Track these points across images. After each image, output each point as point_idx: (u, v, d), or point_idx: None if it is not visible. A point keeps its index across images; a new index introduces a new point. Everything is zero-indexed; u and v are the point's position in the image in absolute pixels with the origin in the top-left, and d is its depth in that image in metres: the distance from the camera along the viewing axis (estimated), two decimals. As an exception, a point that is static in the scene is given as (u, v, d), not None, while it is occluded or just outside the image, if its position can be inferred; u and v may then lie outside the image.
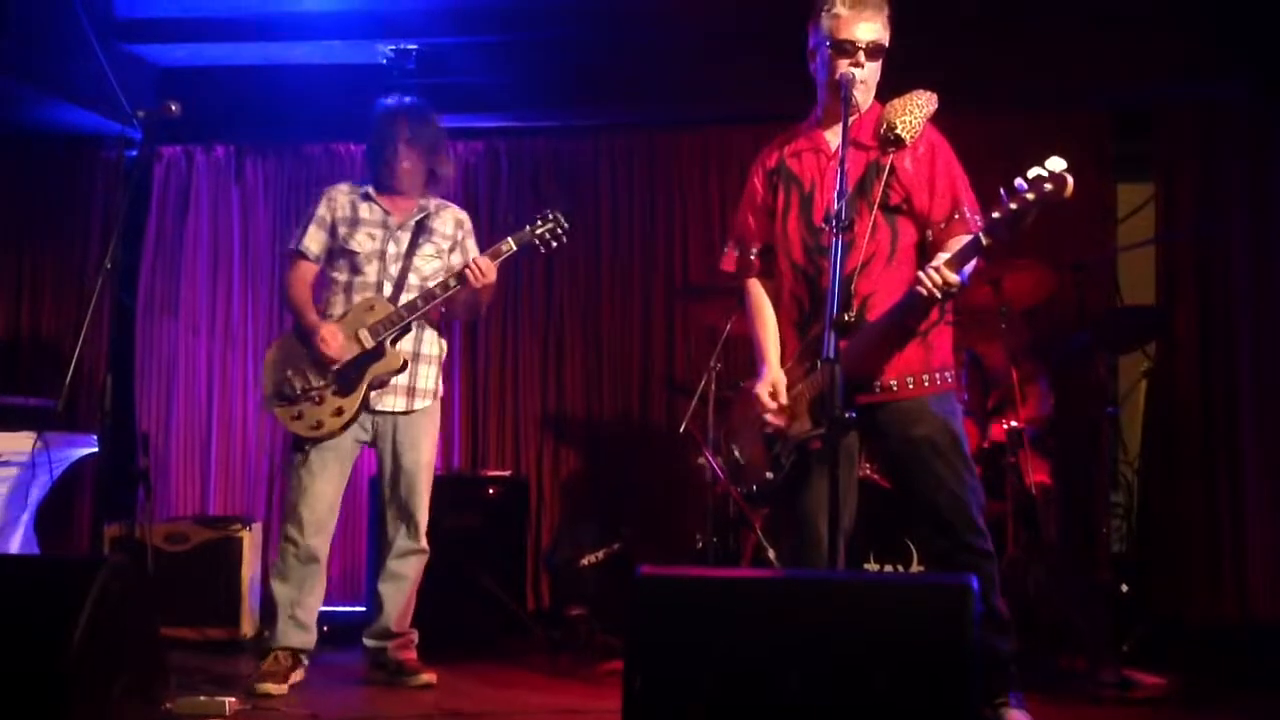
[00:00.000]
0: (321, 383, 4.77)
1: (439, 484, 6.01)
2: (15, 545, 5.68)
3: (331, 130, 6.76)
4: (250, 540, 5.94)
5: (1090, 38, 5.97)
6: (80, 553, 6.54)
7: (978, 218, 3.77)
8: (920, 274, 3.58)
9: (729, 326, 5.39)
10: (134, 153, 6.87)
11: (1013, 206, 3.46)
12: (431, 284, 4.85)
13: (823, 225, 3.70)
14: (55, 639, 3.09)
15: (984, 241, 3.52)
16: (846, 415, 3.46)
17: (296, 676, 4.77)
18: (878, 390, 3.82)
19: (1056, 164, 3.46)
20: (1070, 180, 3.46)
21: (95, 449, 6.01)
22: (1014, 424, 5.23)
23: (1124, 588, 5.17)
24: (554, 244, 4.88)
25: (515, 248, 4.82)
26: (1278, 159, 6.07)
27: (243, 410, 6.85)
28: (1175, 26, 5.91)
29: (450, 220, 5.03)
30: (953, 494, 3.80)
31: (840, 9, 3.75)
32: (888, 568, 5.05)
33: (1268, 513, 5.96)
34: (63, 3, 6.04)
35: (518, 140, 6.86)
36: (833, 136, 3.79)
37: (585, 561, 6.02)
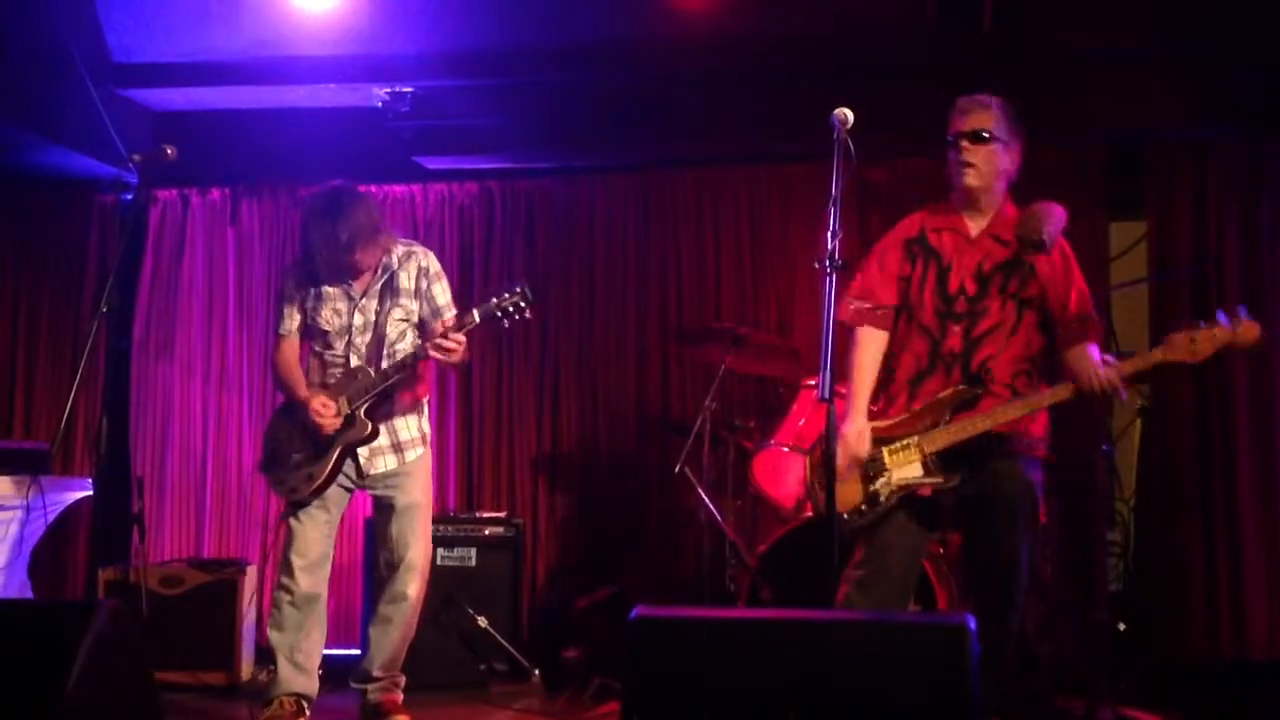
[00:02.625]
0: (299, 448, 4.83)
1: (435, 524, 6.01)
2: (9, 589, 5.66)
3: (327, 173, 6.65)
4: (245, 583, 5.92)
5: (1085, 77, 6.00)
6: (75, 597, 6.52)
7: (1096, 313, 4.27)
8: (1095, 370, 4.01)
9: (724, 366, 5.40)
10: (130, 196, 6.90)
11: (1196, 336, 3.98)
12: (400, 350, 4.85)
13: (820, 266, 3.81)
14: (50, 684, 3.08)
15: (1162, 359, 4.02)
16: (957, 480, 4.08)
17: None
18: (980, 443, 4.09)
19: (1244, 312, 3.98)
20: (1259, 330, 3.98)
21: (90, 492, 6.00)
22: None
23: (1121, 626, 5.16)
24: (516, 317, 4.69)
25: (478, 320, 4.68)
26: (1270, 197, 6.10)
27: (237, 453, 6.85)
28: (1169, 66, 5.94)
29: (414, 270, 4.92)
30: (1014, 559, 4.08)
31: (953, 113, 4.25)
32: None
33: (1264, 551, 5.95)
34: (59, 47, 6.07)
35: (512, 182, 6.88)
36: (972, 222, 4.25)
37: (581, 603, 6.00)
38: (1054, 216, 4.12)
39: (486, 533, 6.15)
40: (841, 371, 4.14)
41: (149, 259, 6.99)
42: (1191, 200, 6.19)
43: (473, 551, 6.06)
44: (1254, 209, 6.12)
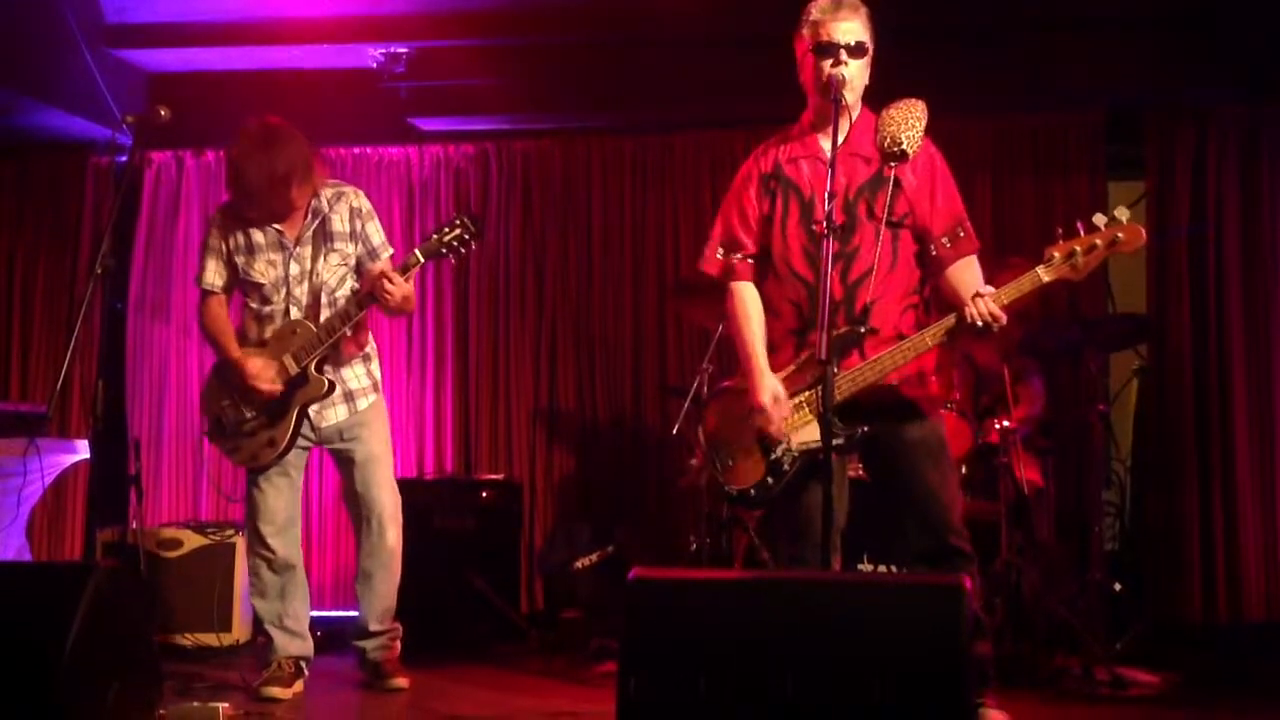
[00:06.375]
0: (252, 414, 4.73)
1: (432, 487, 6.05)
2: (7, 552, 5.67)
3: (321, 134, 6.70)
4: (243, 545, 5.91)
5: (1084, 40, 5.98)
6: (73, 559, 6.53)
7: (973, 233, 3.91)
8: (971, 303, 3.67)
9: (720, 328, 5.39)
10: (124, 158, 6.86)
11: (1076, 248, 3.60)
12: (341, 297, 4.75)
13: (819, 228, 3.71)
14: (48, 646, 3.09)
15: (1044, 278, 3.65)
16: (861, 430, 3.73)
17: (298, 686, 4.78)
18: (877, 397, 3.82)
19: (1124, 213, 3.58)
20: (1144, 233, 3.60)
21: (87, 454, 5.99)
22: (1006, 424, 5.23)
23: (1117, 587, 5.17)
24: (463, 250, 4.62)
25: (422, 259, 4.63)
26: (1269, 159, 6.08)
27: (235, 415, 6.84)
28: (1168, 29, 5.92)
29: (346, 211, 4.79)
30: (939, 496, 3.86)
31: (817, 14, 3.84)
32: (881, 568, 5.05)
33: (1260, 511, 5.97)
34: (52, 9, 6.03)
35: (508, 143, 6.84)
36: (827, 142, 3.82)
37: (579, 564, 6.02)
38: (914, 116, 3.79)
39: (484, 495, 6.17)
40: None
41: (144, 221, 6.97)
42: (1191, 163, 6.17)
43: (471, 513, 6.07)
44: (1253, 171, 6.11)
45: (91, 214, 6.95)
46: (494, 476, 6.47)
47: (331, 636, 5.48)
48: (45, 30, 6.07)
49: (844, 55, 3.78)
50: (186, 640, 5.71)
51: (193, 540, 5.94)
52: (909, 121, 3.80)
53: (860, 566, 5.04)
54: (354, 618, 5.04)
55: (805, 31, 3.86)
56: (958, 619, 2.71)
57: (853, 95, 3.84)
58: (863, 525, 4.15)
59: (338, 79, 6.61)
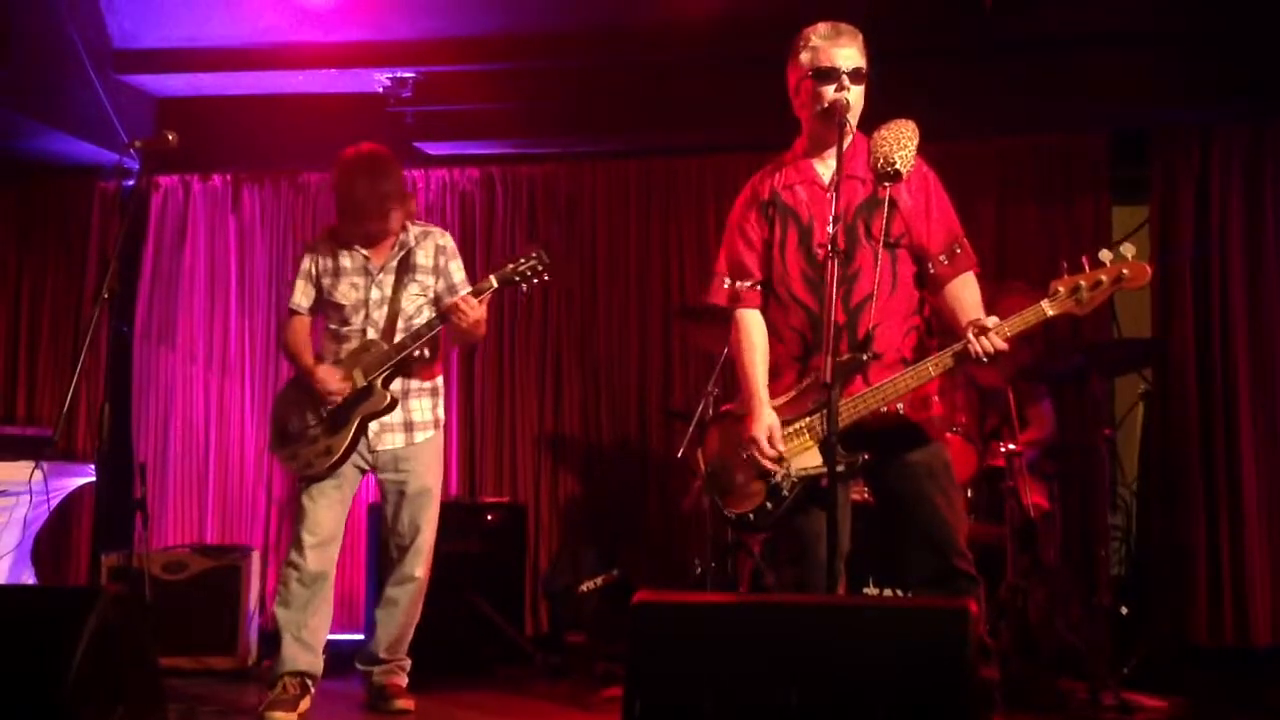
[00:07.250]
0: (314, 422, 4.86)
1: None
2: (12, 575, 5.67)
3: (328, 159, 6.75)
4: (249, 568, 5.93)
5: (1088, 61, 5.99)
6: (78, 583, 6.54)
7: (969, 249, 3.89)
8: (975, 340, 3.64)
9: (725, 352, 5.39)
10: (131, 182, 6.89)
11: (1081, 283, 3.59)
12: (417, 324, 4.89)
13: (819, 251, 3.72)
14: (53, 670, 3.09)
15: (1049, 312, 3.62)
16: (862, 457, 3.71)
17: (304, 705, 4.76)
18: (881, 423, 3.81)
19: (1130, 250, 3.57)
20: (1149, 270, 3.60)
21: (93, 478, 6.01)
22: (1011, 447, 5.23)
23: (1124, 610, 5.16)
24: (535, 280, 4.80)
25: (496, 285, 4.78)
26: (1273, 178, 6.09)
27: (240, 438, 6.85)
28: (1173, 49, 5.93)
29: (431, 248, 5.01)
30: (944, 518, 3.83)
31: (816, 40, 3.85)
32: (887, 591, 5.04)
33: (1267, 533, 5.95)
34: (61, 34, 6.07)
35: (514, 167, 6.87)
36: (823, 167, 3.87)
37: (584, 587, 6.01)
38: (905, 136, 3.73)
39: (489, 517, 6.17)
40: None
41: (150, 245, 7.00)
42: (1195, 183, 6.18)
43: (476, 536, 6.07)
44: (1258, 190, 6.11)
45: (98, 238, 6.98)
46: (499, 499, 6.47)
47: (333, 659, 5.47)
48: (53, 54, 6.10)
49: (846, 81, 3.79)
50: (192, 663, 5.70)
51: (198, 563, 5.94)
52: (901, 141, 3.74)
53: (865, 590, 5.03)
54: (356, 641, 5.03)
55: (802, 58, 3.87)
56: (963, 643, 2.70)
57: (852, 119, 3.84)
58: (867, 549, 4.14)
59: (344, 104, 6.63)
